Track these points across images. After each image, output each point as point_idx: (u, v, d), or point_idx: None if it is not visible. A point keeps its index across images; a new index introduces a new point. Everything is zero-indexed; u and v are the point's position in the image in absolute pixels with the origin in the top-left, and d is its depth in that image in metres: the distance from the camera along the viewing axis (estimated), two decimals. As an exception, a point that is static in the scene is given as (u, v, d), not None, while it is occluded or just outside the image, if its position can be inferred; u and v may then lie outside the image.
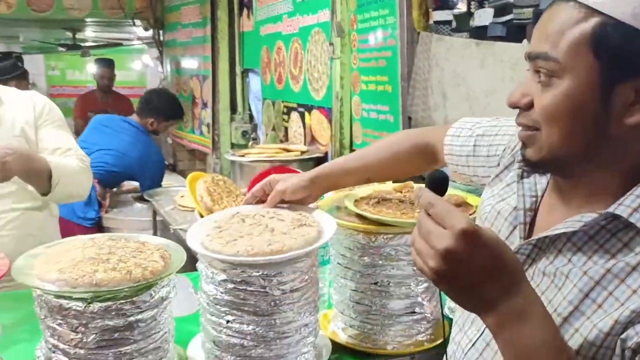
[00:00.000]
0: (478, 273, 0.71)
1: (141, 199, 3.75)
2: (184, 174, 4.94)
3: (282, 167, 2.76)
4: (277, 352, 1.20)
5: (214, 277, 1.19)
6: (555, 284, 0.83)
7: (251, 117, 4.29)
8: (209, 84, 4.49)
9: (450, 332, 1.07)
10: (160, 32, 5.62)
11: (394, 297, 1.35)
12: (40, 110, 1.98)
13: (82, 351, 1.06)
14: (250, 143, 3.93)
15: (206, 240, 1.20)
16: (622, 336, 0.74)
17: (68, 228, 2.83)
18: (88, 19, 5.83)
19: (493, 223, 0.98)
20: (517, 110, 0.87)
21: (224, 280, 1.18)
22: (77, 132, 4.37)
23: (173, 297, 1.18)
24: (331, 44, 2.86)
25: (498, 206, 0.98)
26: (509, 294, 0.72)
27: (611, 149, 0.80)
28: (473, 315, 0.89)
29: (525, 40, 1.88)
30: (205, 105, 4.64)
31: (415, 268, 0.97)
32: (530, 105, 0.84)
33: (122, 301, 1.07)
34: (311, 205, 1.41)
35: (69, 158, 1.94)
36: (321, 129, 3.16)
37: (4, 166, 1.54)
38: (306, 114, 3.32)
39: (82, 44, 6.93)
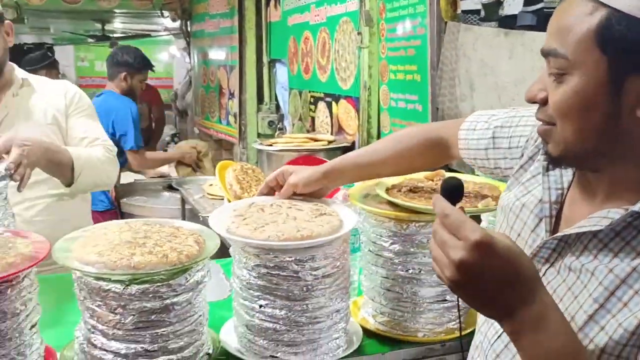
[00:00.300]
0: (493, 282, 0.72)
1: (170, 188, 3.80)
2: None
3: (309, 157, 2.77)
4: (309, 337, 1.22)
5: (247, 262, 1.21)
6: (581, 280, 0.82)
7: (278, 107, 4.30)
8: (236, 74, 4.51)
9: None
10: (188, 22, 5.65)
11: (425, 284, 1.35)
12: (70, 98, 2.01)
13: (120, 332, 1.09)
14: (276, 133, 3.95)
15: (232, 227, 1.22)
16: None
17: None
18: (117, 10, 5.90)
19: (518, 215, 0.97)
20: None
21: (257, 265, 1.19)
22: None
23: (207, 281, 1.20)
24: (359, 33, 2.85)
25: (524, 198, 0.98)
26: (525, 302, 0.72)
27: (628, 142, 0.79)
28: None
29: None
30: (232, 95, 4.66)
31: None
32: (546, 101, 0.84)
33: (158, 284, 1.09)
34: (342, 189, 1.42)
35: (95, 148, 1.97)
36: (348, 119, 3.16)
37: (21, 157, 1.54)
38: (333, 103, 3.32)
39: (111, 35, 7.03)
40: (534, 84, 0.86)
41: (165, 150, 5.00)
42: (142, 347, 1.10)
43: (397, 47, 2.63)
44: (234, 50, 4.52)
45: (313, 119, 3.60)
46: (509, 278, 0.72)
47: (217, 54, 5.01)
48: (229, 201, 1.88)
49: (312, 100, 3.61)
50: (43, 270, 1.38)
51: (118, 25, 7.19)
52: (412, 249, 1.33)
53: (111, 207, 3.61)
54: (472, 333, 1.35)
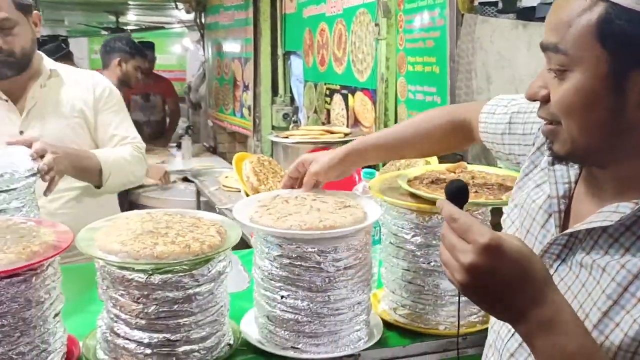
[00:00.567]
0: (504, 285, 0.72)
1: (185, 180, 3.80)
2: (224, 157, 4.99)
3: (325, 149, 2.75)
4: (331, 329, 1.21)
5: (270, 253, 1.20)
6: (593, 276, 0.81)
7: (292, 100, 4.29)
8: (250, 66, 4.50)
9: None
10: (202, 14, 5.65)
11: (446, 277, 1.33)
12: (100, 93, 2.00)
13: (143, 321, 1.09)
14: (291, 126, 3.94)
15: (255, 217, 1.22)
16: None
17: None
18: (131, 2, 5.91)
19: (528, 211, 0.96)
20: None
21: (280, 256, 1.19)
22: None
23: (229, 272, 1.19)
24: (377, 24, 2.83)
25: (533, 193, 0.97)
26: (536, 304, 0.72)
27: (634, 138, 0.78)
28: None
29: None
30: (246, 87, 4.66)
31: None
32: (548, 99, 0.82)
33: (181, 274, 1.09)
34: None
35: (123, 147, 1.98)
36: (365, 111, 3.14)
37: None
38: (349, 95, 3.30)
39: (125, 27, 7.05)
40: (535, 82, 0.85)
41: (179, 144, 4.99)
42: (164, 337, 1.10)
43: (415, 39, 2.61)
44: (248, 43, 4.51)
45: (328, 111, 3.59)
46: (519, 279, 0.71)
47: (231, 46, 5.00)
48: (246, 193, 1.87)
49: (327, 92, 3.60)
50: (65, 262, 1.38)
51: (132, 17, 7.21)
52: (434, 242, 1.32)
53: None
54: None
